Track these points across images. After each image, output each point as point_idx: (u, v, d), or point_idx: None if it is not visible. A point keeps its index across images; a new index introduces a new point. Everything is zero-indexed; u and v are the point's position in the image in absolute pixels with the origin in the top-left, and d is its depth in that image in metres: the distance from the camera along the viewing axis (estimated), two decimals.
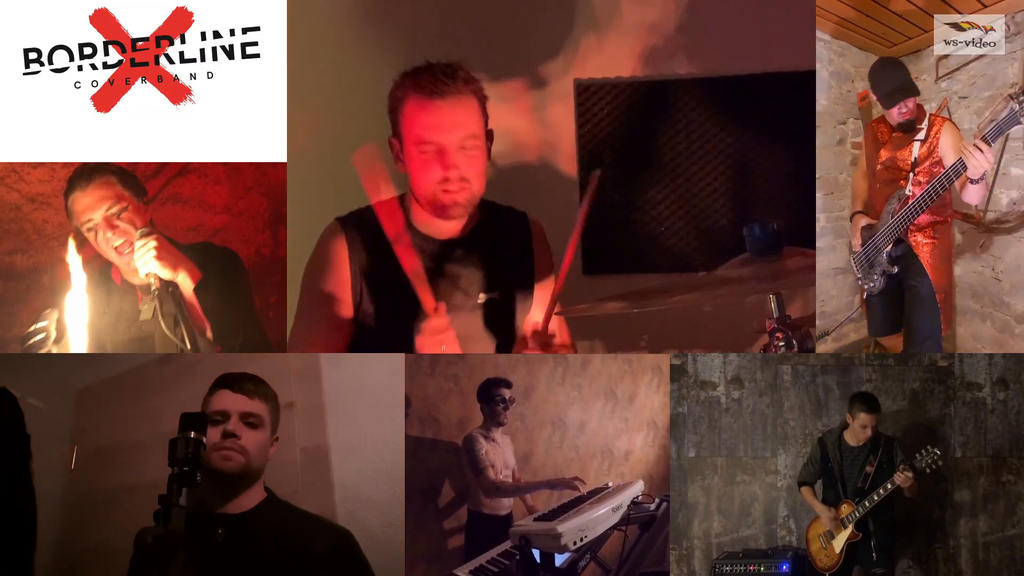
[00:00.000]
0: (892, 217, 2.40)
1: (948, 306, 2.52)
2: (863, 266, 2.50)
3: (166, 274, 2.08)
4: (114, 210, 2.17)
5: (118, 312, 2.23)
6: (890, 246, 2.43)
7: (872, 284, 2.48)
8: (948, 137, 2.39)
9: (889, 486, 2.31)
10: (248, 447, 1.87)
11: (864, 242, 2.48)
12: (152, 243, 2.05)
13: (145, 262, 2.05)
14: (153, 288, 2.04)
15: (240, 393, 1.90)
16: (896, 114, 2.42)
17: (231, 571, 1.81)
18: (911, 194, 2.38)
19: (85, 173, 2.19)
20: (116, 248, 2.17)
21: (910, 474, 2.29)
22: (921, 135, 2.39)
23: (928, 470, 2.30)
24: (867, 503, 2.33)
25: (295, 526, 1.90)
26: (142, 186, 2.25)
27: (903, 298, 2.51)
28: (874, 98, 2.48)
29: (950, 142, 2.38)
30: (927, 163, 2.41)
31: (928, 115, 2.43)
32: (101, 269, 2.29)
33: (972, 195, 2.33)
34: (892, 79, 2.42)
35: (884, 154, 2.47)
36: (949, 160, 2.36)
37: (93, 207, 2.18)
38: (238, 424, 1.87)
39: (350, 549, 1.90)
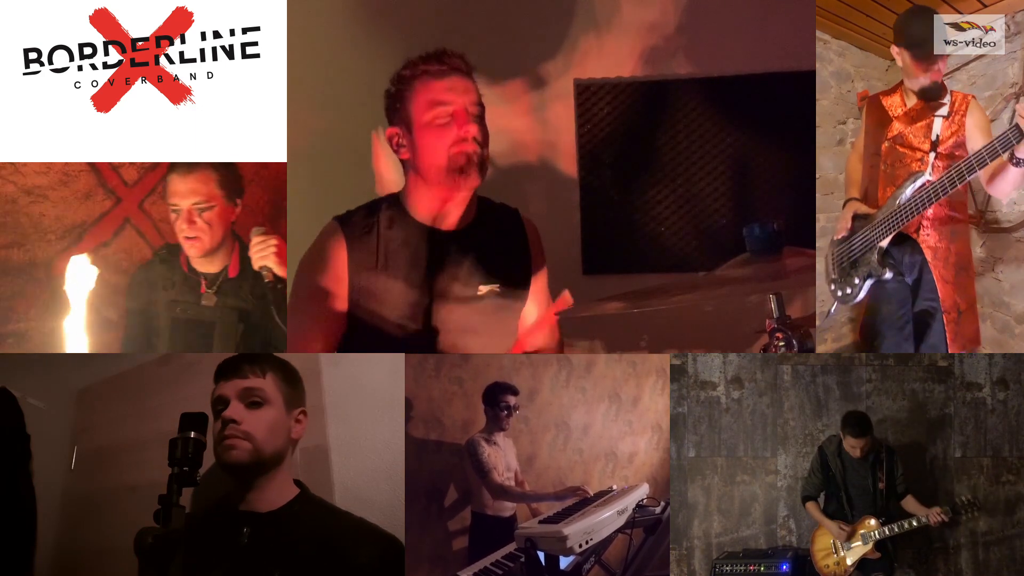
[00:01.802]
0: (898, 203, 2.02)
1: (972, 320, 2.22)
2: (842, 265, 2.15)
3: (280, 271, 2.23)
4: (200, 206, 2.30)
5: (179, 294, 2.36)
6: (886, 240, 2.08)
7: (848, 291, 2.11)
8: (975, 117, 2.09)
9: (924, 520, 2.29)
10: (252, 430, 1.73)
11: (854, 233, 2.15)
12: (274, 242, 2.20)
13: (264, 256, 2.19)
14: (266, 281, 2.19)
15: (235, 377, 1.78)
16: (924, 74, 2.07)
17: (264, 574, 1.69)
18: (932, 179, 2.01)
19: (190, 163, 2.29)
20: (185, 238, 2.31)
21: (946, 519, 2.27)
22: (944, 111, 2.07)
23: (964, 517, 2.30)
24: (896, 528, 2.31)
25: (335, 529, 1.77)
26: (240, 188, 2.34)
27: (902, 318, 2.22)
28: (896, 52, 2.13)
29: (978, 122, 2.08)
30: (950, 143, 2.09)
31: (950, 90, 2.14)
32: (170, 250, 2.44)
33: (1006, 185, 1.94)
34: (932, 29, 2.05)
35: (897, 126, 2.14)
36: (976, 144, 2.01)
37: (183, 195, 2.30)
38: (237, 407, 1.74)
39: (399, 558, 1.76)
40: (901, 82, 2.22)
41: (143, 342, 2.44)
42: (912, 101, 2.12)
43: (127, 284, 2.43)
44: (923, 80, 2.08)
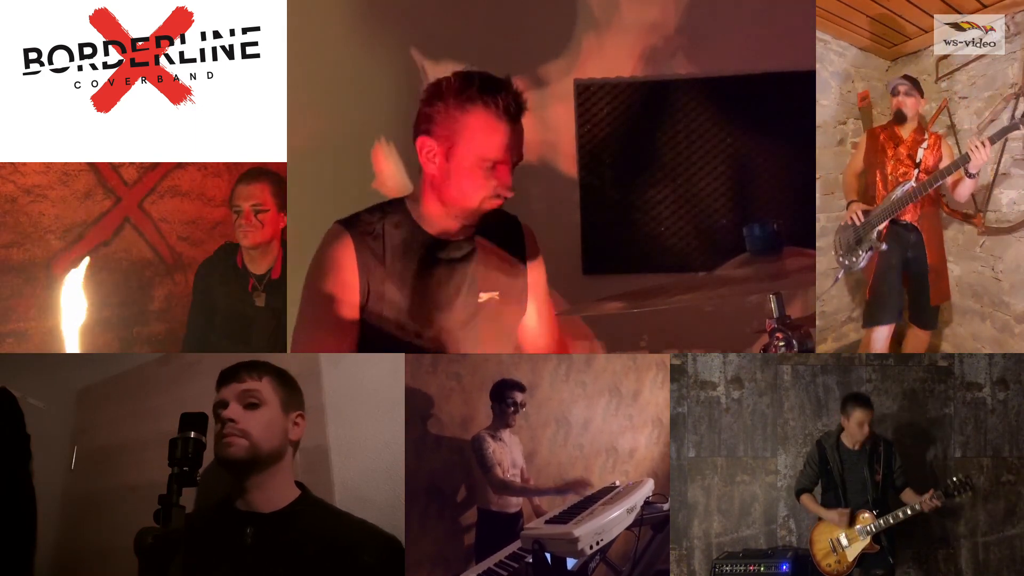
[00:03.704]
0: (891, 200, 2.54)
1: (944, 280, 2.67)
2: (848, 243, 2.61)
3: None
4: (257, 207, 2.59)
5: (231, 288, 2.66)
6: (883, 224, 2.55)
7: (853, 260, 2.59)
8: (945, 149, 2.57)
9: (918, 507, 2.30)
10: (249, 428, 1.83)
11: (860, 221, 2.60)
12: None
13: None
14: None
15: (234, 381, 1.89)
16: (895, 102, 2.58)
17: (268, 573, 1.75)
18: (913, 186, 2.53)
19: (256, 174, 2.61)
20: (241, 231, 2.60)
21: (939, 503, 2.29)
22: (925, 144, 2.56)
23: (958, 498, 2.31)
24: (891, 519, 2.31)
25: (337, 529, 1.84)
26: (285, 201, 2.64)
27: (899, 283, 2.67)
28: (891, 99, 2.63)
29: (948, 152, 2.57)
30: (931, 163, 2.55)
31: (927, 131, 2.59)
32: (228, 249, 2.69)
33: (963, 191, 2.48)
34: (900, 79, 2.61)
35: (901, 151, 2.60)
36: (945, 164, 2.53)
37: (245, 197, 2.59)
38: (235, 408, 1.85)
39: (400, 559, 1.83)
40: (890, 121, 2.66)
41: (206, 330, 2.69)
42: (905, 134, 2.62)
43: (193, 277, 2.74)
44: (893, 106, 2.62)
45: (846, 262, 2.61)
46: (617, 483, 2.52)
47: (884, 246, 2.57)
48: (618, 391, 2.95)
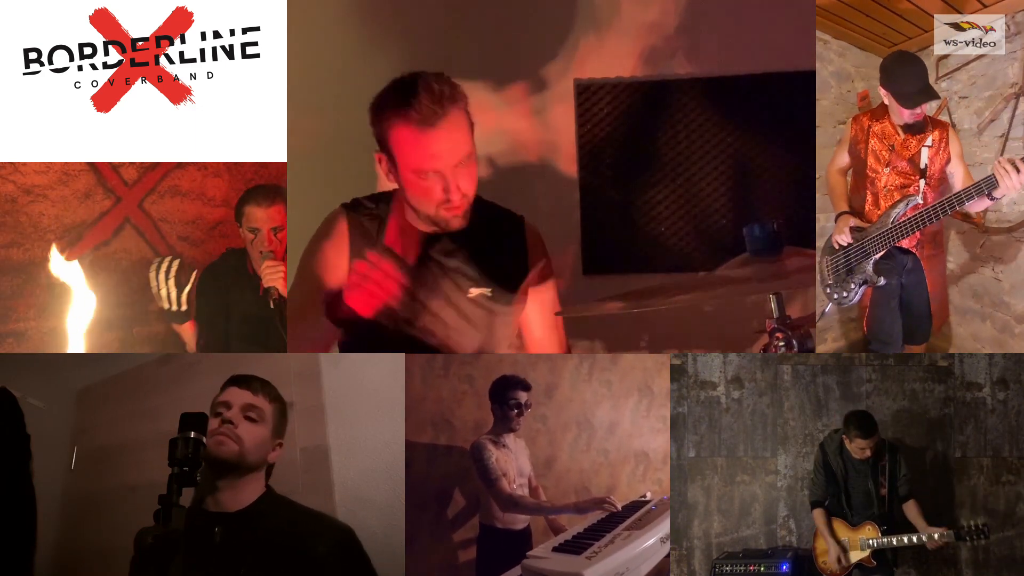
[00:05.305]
0: (893, 223, 2.30)
1: (943, 311, 2.57)
2: (838, 272, 2.37)
3: (284, 291, 2.53)
4: (277, 228, 2.62)
5: (244, 291, 2.67)
6: (880, 254, 2.32)
7: (845, 295, 2.35)
8: (955, 146, 2.37)
9: (924, 538, 2.26)
10: (243, 437, 1.85)
11: (851, 244, 2.37)
12: (281, 268, 2.54)
13: (273, 279, 2.54)
14: (272, 298, 2.53)
15: (245, 389, 1.91)
16: (909, 115, 2.34)
17: (233, 570, 1.77)
18: (922, 202, 2.31)
19: (268, 195, 2.63)
20: (262, 251, 2.60)
21: (947, 542, 2.24)
22: (928, 141, 2.36)
23: (970, 543, 2.27)
24: (895, 542, 2.27)
25: (296, 523, 1.88)
26: None
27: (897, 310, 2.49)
28: (883, 92, 2.39)
29: (957, 151, 2.37)
30: (937, 168, 2.38)
31: (928, 119, 2.38)
32: (238, 258, 2.70)
33: (978, 206, 2.28)
34: (916, 79, 2.32)
35: (901, 157, 2.41)
36: (955, 166, 2.35)
37: (264, 221, 2.61)
38: (236, 414, 1.87)
39: (353, 547, 1.88)
40: (886, 109, 2.41)
41: (220, 334, 2.69)
42: (903, 133, 2.37)
43: (197, 283, 2.70)
44: (907, 119, 2.34)
45: (835, 295, 2.37)
46: (648, 495, 2.34)
47: (882, 280, 2.31)
48: (649, 390, 2.77)
